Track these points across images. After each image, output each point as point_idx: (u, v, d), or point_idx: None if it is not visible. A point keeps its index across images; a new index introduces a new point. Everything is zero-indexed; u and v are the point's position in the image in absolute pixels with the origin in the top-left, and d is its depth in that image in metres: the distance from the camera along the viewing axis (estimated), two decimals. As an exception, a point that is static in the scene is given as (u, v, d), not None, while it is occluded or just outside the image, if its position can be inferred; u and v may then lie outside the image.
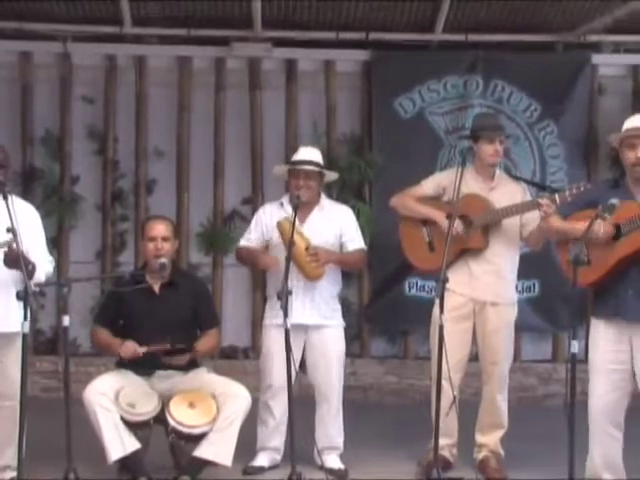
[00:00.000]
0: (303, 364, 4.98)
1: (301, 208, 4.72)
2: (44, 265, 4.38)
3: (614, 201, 3.85)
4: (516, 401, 5.78)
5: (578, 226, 4.05)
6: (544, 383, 7.00)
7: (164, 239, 4.74)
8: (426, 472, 4.69)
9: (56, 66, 6.98)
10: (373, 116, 7.00)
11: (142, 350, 4.55)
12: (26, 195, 6.19)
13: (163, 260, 4.68)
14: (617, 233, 4.06)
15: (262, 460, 4.93)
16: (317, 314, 4.91)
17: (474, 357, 5.04)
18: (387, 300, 6.95)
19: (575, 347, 3.71)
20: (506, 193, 4.90)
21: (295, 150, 5.22)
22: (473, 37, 6.90)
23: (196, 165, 7.04)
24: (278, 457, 4.96)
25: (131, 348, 4.57)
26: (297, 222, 4.64)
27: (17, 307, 3.90)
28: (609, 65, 7.13)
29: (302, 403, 4.68)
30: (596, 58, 7.03)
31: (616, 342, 4.15)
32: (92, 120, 7.02)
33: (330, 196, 5.62)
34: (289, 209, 4.78)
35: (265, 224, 5.02)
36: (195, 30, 6.83)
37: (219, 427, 4.49)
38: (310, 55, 7.06)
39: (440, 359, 4.30)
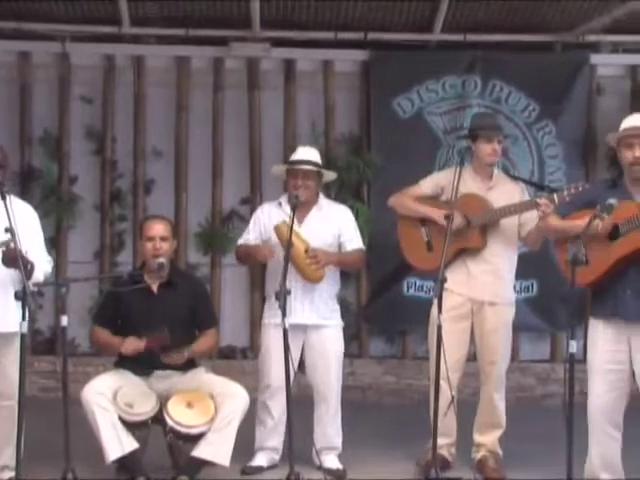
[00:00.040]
0: (302, 364, 4.98)
1: (299, 208, 4.72)
2: (42, 265, 4.38)
3: (612, 201, 3.86)
4: (514, 401, 5.79)
5: (577, 223, 4.06)
6: (542, 383, 7.01)
7: (162, 239, 4.74)
8: (424, 472, 4.69)
9: (54, 66, 6.97)
10: (371, 116, 7.00)
11: (142, 344, 4.54)
12: (24, 195, 6.19)
13: (161, 260, 4.68)
14: (615, 233, 4.06)
15: (260, 460, 4.93)
16: (316, 314, 4.90)
17: (472, 357, 5.05)
18: (385, 300, 6.95)
19: (573, 347, 3.72)
20: (504, 193, 4.91)
21: (293, 150, 5.22)
22: (471, 37, 6.90)
23: (194, 165, 7.04)
24: (276, 457, 4.95)
25: (133, 344, 4.58)
26: (295, 223, 4.64)
27: (15, 307, 3.89)
28: (607, 65, 7.13)
29: (300, 403, 4.68)
30: (594, 58, 7.03)
31: (615, 342, 4.15)
32: (90, 120, 7.02)
33: (328, 196, 5.62)
34: (287, 209, 4.77)
35: (263, 224, 5.02)
36: (193, 30, 6.83)
37: (217, 427, 4.49)
38: (308, 55, 7.06)
39: (438, 359, 4.30)
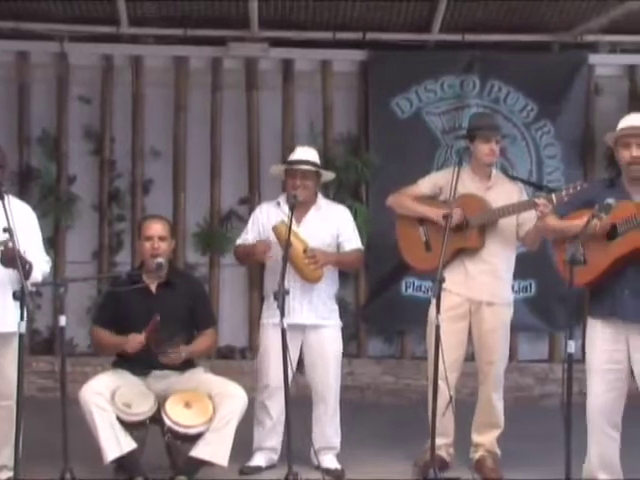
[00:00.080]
0: (300, 364, 4.98)
1: (298, 208, 4.72)
2: (41, 265, 4.37)
3: (610, 201, 3.86)
4: (513, 401, 5.79)
5: (575, 223, 4.06)
6: (541, 383, 7.01)
7: (161, 239, 4.73)
8: (423, 472, 4.68)
9: (53, 66, 6.97)
10: (370, 116, 7.00)
11: (142, 337, 4.53)
12: (23, 195, 6.19)
13: (160, 260, 4.68)
14: (613, 233, 4.07)
15: (259, 460, 4.93)
16: (314, 314, 4.91)
17: (470, 357, 5.05)
18: (384, 300, 6.95)
19: (572, 347, 3.72)
20: (503, 193, 4.91)
21: (292, 150, 5.22)
22: (470, 37, 6.90)
23: (193, 165, 7.03)
24: (275, 457, 4.95)
25: (136, 339, 4.56)
26: (294, 223, 4.64)
27: (14, 307, 3.88)
28: (605, 65, 7.13)
29: (299, 403, 4.67)
30: (592, 58, 7.03)
31: (613, 342, 4.15)
32: (89, 120, 7.01)
33: (327, 196, 5.62)
34: (286, 209, 4.77)
35: (262, 224, 5.02)
36: (192, 30, 6.83)
37: (215, 427, 4.48)
38: (307, 55, 7.05)
39: (437, 359, 4.29)
